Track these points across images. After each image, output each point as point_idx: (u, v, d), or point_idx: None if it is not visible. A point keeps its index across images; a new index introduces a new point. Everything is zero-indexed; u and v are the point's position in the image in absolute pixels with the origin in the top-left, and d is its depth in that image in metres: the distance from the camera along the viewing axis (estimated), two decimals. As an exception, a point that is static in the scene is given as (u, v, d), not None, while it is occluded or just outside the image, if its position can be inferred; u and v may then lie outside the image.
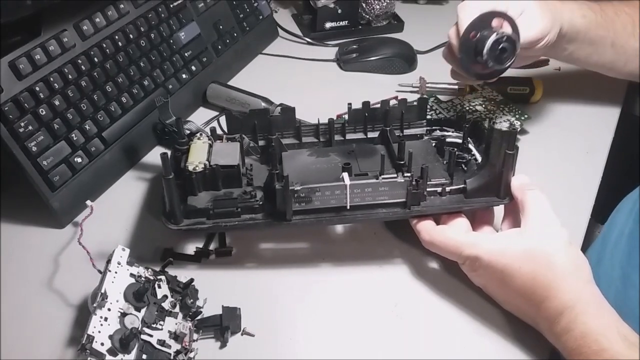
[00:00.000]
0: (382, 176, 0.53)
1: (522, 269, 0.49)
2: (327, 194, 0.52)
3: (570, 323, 0.46)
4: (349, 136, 0.63)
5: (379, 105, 0.62)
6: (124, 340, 0.44)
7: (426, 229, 0.54)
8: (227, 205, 0.53)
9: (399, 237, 0.60)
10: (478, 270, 0.52)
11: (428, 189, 0.54)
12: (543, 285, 0.48)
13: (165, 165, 0.50)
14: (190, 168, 0.55)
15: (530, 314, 0.50)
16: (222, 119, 0.75)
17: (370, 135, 0.63)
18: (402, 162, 0.55)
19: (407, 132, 0.63)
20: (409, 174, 0.53)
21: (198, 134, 0.60)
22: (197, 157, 0.56)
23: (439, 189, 0.55)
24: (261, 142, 0.62)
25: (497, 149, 0.53)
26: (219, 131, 0.62)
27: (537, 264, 0.48)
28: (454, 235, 0.53)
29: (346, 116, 0.63)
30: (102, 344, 0.43)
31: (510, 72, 0.62)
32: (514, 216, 0.55)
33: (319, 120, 0.63)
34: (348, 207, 0.53)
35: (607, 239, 0.61)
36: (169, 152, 0.54)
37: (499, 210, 0.57)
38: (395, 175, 0.53)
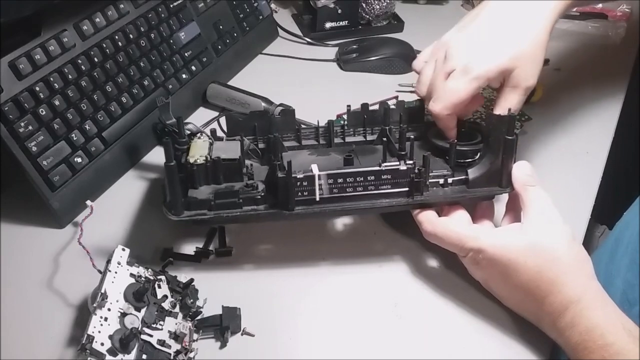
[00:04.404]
0: (385, 164, 0.53)
1: (528, 264, 0.49)
2: (329, 182, 0.52)
3: (575, 318, 0.46)
4: (348, 139, 0.63)
5: (377, 107, 0.62)
6: (124, 340, 0.44)
7: (428, 219, 0.54)
8: (229, 197, 0.53)
9: (399, 232, 0.60)
10: (480, 263, 0.51)
11: (430, 180, 0.54)
12: (548, 280, 0.48)
13: (168, 152, 0.50)
14: (192, 160, 0.55)
15: (533, 309, 0.50)
16: (222, 120, 0.75)
17: (370, 137, 0.63)
18: (404, 153, 0.55)
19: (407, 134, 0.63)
20: (411, 162, 0.53)
21: (198, 134, 0.60)
22: (198, 152, 0.56)
23: (441, 180, 0.55)
24: (261, 145, 0.62)
25: (497, 135, 0.53)
26: (219, 132, 0.62)
27: (542, 259, 0.48)
28: (456, 227, 0.53)
29: (345, 116, 0.63)
30: (102, 344, 0.43)
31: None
32: (515, 212, 0.55)
33: (318, 123, 0.63)
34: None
35: (621, 235, 0.61)
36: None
37: (499, 205, 0.57)
38: (397, 163, 0.53)
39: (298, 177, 0.52)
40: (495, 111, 0.57)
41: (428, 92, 0.59)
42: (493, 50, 0.55)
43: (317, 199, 0.53)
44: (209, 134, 0.61)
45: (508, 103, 0.56)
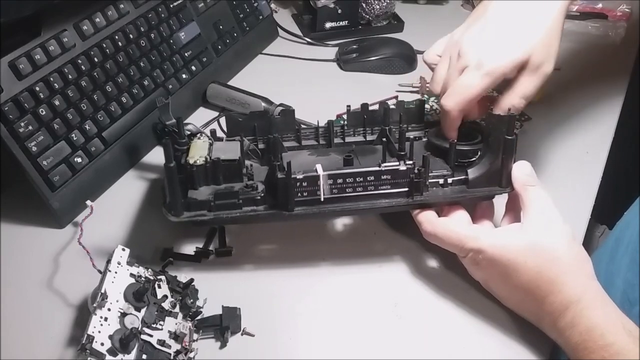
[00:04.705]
0: (384, 164, 0.53)
1: (528, 264, 0.48)
2: (329, 182, 0.52)
3: (576, 318, 0.46)
4: (348, 139, 0.63)
5: (377, 107, 0.62)
6: (124, 340, 0.44)
7: (428, 219, 0.54)
8: (229, 197, 0.53)
9: (399, 233, 0.60)
10: (480, 263, 0.51)
11: (430, 180, 0.54)
12: (548, 279, 0.48)
13: (167, 153, 0.50)
14: (191, 161, 0.55)
15: (533, 309, 0.50)
16: (222, 120, 0.75)
17: (370, 137, 0.63)
18: (403, 153, 0.55)
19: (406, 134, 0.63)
20: (410, 162, 0.53)
21: (198, 135, 0.60)
22: (198, 153, 0.56)
23: (441, 180, 0.55)
24: (261, 145, 0.62)
25: (497, 135, 0.53)
26: (219, 132, 0.62)
27: (542, 259, 0.48)
28: (456, 227, 0.53)
29: (345, 116, 0.63)
30: (102, 344, 0.43)
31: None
32: (514, 212, 0.55)
33: (318, 123, 0.63)
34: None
35: (622, 235, 0.61)
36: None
37: (498, 206, 0.57)
38: (397, 163, 0.53)
39: (298, 177, 0.52)
40: (507, 97, 0.56)
41: (442, 90, 0.58)
42: (505, 44, 0.54)
43: (322, 199, 0.53)
44: (208, 134, 0.61)
45: (522, 88, 0.55)
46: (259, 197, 0.54)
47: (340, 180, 0.53)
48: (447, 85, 0.58)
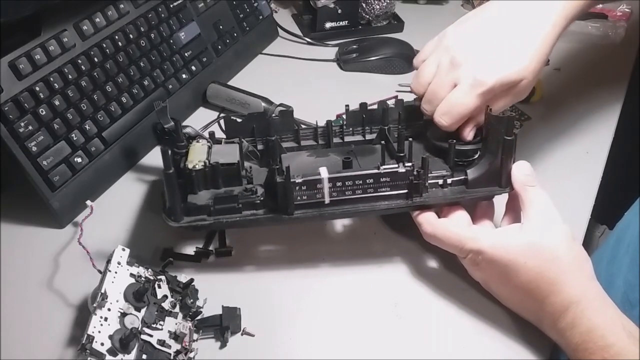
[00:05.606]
0: (383, 167, 0.53)
1: (528, 264, 0.48)
2: (329, 185, 0.52)
3: (576, 318, 0.46)
4: (347, 138, 0.63)
5: (376, 107, 0.62)
6: (124, 340, 0.44)
7: (428, 220, 0.54)
8: (228, 202, 0.53)
9: (399, 233, 0.60)
10: (480, 264, 0.51)
11: (430, 181, 0.54)
12: (548, 280, 0.48)
13: (166, 160, 0.50)
14: (190, 166, 0.55)
15: (533, 310, 0.50)
16: (222, 120, 0.75)
17: (369, 137, 0.63)
18: (402, 155, 0.55)
19: (405, 133, 0.63)
20: (409, 164, 0.53)
21: (197, 137, 0.60)
22: (197, 157, 0.56)
23: (440, 181, 0.55)
24: (260, 146, 0.62)
25: (496, 136, 0.53)
26: (218, 132, 0.62)
27: (542, 259, 0.48)
28: (455, 228, 0.53)
29: (345, 116, 0.63)
30: (102, 344, 0.43)
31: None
32: (514, 213, 0.55)
33: (317, 123, 0.63)
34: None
35: (622, 235, 0.61)
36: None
37: (499, 206, 0.57)
38: (396, 166, 0.53)
39: (297, 181, 0.52)
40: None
41: (427, 94, 0.58)
42: (502, 62, 0.54)
43: (327, 201, 0.53)
44: (207, 137, 0.60)
45: (496, 105, 0.56)
46: (258, 201, 0.53)
47: (339, 183, 0.52)
48: (434, 94, 0.57)
